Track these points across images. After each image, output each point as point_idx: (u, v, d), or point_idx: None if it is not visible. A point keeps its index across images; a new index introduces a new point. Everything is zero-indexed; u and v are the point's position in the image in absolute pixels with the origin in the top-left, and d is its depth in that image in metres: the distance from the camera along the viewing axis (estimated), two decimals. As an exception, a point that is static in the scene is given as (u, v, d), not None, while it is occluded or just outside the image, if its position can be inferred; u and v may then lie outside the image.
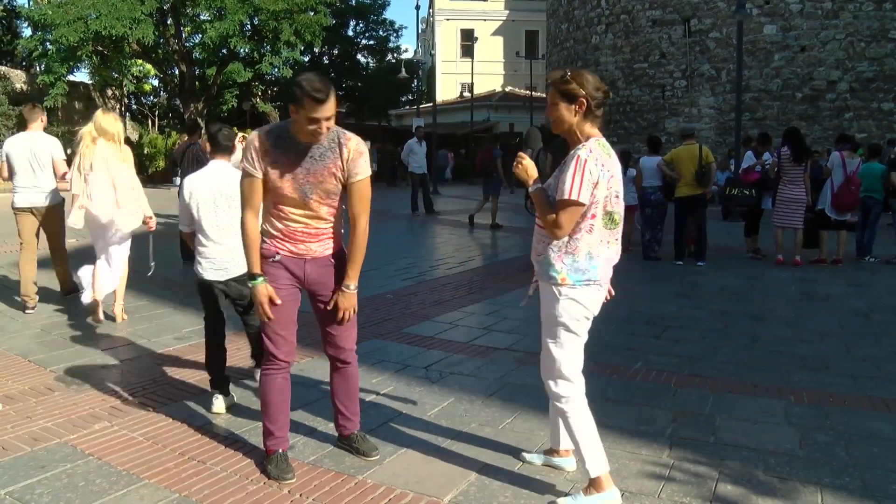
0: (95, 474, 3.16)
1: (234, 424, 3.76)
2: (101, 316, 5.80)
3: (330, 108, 2.85)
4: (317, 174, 2.98)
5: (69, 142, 6.31)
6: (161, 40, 24.44)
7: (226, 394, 4.02)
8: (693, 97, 22.54)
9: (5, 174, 6.38)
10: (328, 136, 2.98)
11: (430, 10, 42.45)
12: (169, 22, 24.49)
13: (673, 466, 3.29)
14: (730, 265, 9.35)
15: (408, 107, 39.64)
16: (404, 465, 3.28)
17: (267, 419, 3.22)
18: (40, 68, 23.76)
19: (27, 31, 25.80)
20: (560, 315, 2.83)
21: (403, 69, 32.82)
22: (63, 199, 6.38)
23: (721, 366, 4.90)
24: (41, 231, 6.41)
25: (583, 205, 2.71)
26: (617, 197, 2.81)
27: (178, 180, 11.58)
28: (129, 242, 5.96)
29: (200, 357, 4.97)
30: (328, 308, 3.19)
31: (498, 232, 12.91)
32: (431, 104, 29.74)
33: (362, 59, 40.68)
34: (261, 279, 3.07)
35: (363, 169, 3.04)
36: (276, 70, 25.76)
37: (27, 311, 6.19)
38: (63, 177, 6.10)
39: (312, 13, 23.69)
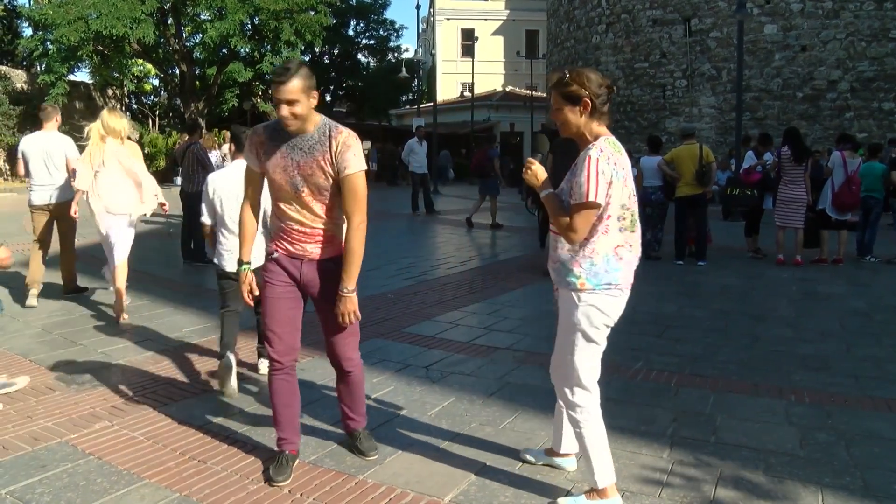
0: (96, 474, 3.16)
1: (235, 424, 3.76)
2: (125, 315, 5.92)
3: (290, 90, 2.84)
4: (306, 166, 2.96)
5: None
6: (161, 40, 24.45)
7: (228, 373, 4.17)
8: (694, 97, 22.54)
9: (21, 172, 6.58)
10: (319, 128, 2.97)
11: (431, 10, 42.43)
12: (169, 21, 24.51)
13: (673, 466, 3.29)
14: (730, 265, 9.35)
15: (408, 106, 39.60)
16: (405, 464, 3.28)
17: (273, 419, 3.24)
18: (41, 68, 23.77)
19: (28, 31, 25.82)
20: (579, 322, 2.73)
21: (404, 69, 32.79)
22: (72, 198, 6.44)
23: (722, 365, 4.90)
24: (55, 230, 6.63)
25: (598, 206, 2.62)
26: (632, 195, 2.73)
27: (178, 180, 11.59)
28: (132, 232, 6.09)
29: (201, 356, 4.98)
30: (328, 313, 3.13)
31: (498, 232, 12.91)
32: (432, 104, 29.72)
33: (363, 59, 40.64)
34: (246, 266, 3.21)
35: (352, 163, 2.93)
36: (277, 70, 25.74)
37: (27, 304, 6.30)
38: (73, 174, 6.23)
39: (313, 13, 23.70)
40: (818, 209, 9.47)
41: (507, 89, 36.70)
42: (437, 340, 5.47)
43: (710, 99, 22.28)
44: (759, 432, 3.68)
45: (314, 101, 2.95)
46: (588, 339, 2.75)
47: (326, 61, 37.24)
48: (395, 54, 40.83)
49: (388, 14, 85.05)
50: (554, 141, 8.60)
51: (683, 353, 5.17)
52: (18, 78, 24.12)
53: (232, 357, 4.20)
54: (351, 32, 38.53)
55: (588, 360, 2.79)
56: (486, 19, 39.91)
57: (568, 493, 2.98)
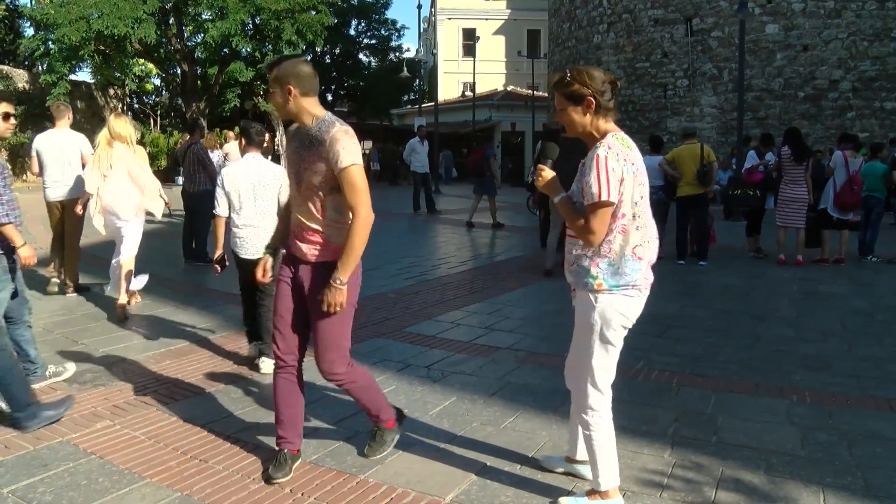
0: (97, 473, 3.16)
1: (236, 423, 3.76)
2: (127, 308, 6.13)
3: (271, 80, 2.99)
4: (307, 160, 2.96)
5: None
6: (163, 39, 24.44)
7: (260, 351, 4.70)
8: (695, 96, 22.51)
9: (35, 170, 6.74)
10: (318, 123, 2.97)
11: (432, 10, 42.40)
12: (171, 21, 24.50)
13: (675, 466, 3.28)
14: (732, 265, 9.34)
15: (409, 106, 39.59)
16: (406, 464, 3.28)
17: (274, 417, 3.23)
18: (43, 68, 23.77)
19: (29, 31, 25.82)
20: (595, 323, 2.69)
21: (405, 68, 32.80)
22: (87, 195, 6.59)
23: (723, 365, 4.89)
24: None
25: (612, 204, 2.57)
26: (644, 192, 2.69)
27: (179, 179, 11.60)
28: (140, 231, 6.30)
29: (202, 356, 4.99)
30: (315, 322, 3.05)
31: (500, 231, 12.90)
32: (433, 103, 29.72)
33: (364, 59, 40.60)
34: (267, 250, 3.37)
35: (343, 157, 2.85)
36: (279, 69, 25.72)
37: (47, 290, 6.76)
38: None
39: (314, 12, 23.68)
40: (820, 209, 9.47)
41: (509, 89, 36.66)
42: (438, 340, 5.47)
43: (712, 98, 22.26)
44: (760, 432, 3.68)
45: (294, 96, 2.95)
46: (604, 340, 2.71)
47: (328, 61, 37.22)
48: (397, 54, 40.80)
49: (390, 14, 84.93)
50: (554, 141, 8.61)
51: (684, 352, 5.17)
52: (20, 78, 24.14)
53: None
54: (352, 32, 38.50)
55: (603, 361, 2.75)
56: (487, 19, 39.87)
57: (569, 493, 2.98)
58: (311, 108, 2.99)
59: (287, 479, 3.09)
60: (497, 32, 40.00)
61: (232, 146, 13.07)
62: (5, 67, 24.45)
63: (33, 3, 26.51)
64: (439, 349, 5.20)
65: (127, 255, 6.11)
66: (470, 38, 37.26)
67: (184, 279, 8.13)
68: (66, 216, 6.69)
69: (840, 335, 5.76)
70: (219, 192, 4.62)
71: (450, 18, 40.13)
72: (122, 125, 6.05)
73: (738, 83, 16.34)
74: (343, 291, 2.93)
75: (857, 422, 3.84)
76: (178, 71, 26.53)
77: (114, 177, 5.97)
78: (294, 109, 2.98)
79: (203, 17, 24.17)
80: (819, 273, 8.75)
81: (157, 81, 32.79)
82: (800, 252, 9.20)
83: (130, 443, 3.48)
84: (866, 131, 19.49)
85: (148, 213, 6.37)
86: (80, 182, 6.52)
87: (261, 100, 29.39)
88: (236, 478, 3.13)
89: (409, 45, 55.67)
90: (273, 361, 4.19)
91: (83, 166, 6.56)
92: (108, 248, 6.64)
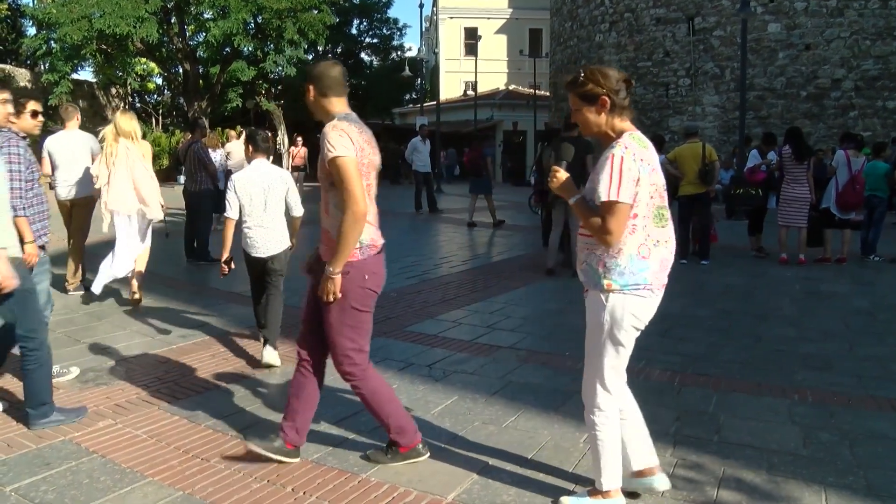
0: (100, 472, 3.17)
1: (238, 422, 3.76)
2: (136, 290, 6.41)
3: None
4: (319, 159, 3.06)
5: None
6: (165, 39, 24.44)
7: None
8: (697, 95, 22.49)
9: (47, 170, 6.85)
10: (328, 122, 3.08)
11: (434, 9, 42.37)
12: (173, 20, 24.50)
13: (676, 465, 3.28)
14: (734, 264, 9.33)
15: (411, 105, 39.57)
16: (407, 463, 3.28)
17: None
18: (44, 67, 23.78)
19: (31, 30, 25.85)
20: (605, 323, 2.67)
21: (407, 67, 32.78)
22: (94, 194, 6.75)
23: (725, 364, 4.89)
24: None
25: (628, 204, 2.55)
26: (662, 190, 2.66)
27: (181, 179, 11.61)
28: (150, 232, 6.61)
29: (204, 355, 5.00)
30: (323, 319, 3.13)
31: (501, 230, 12.90)
32: (435, 102, 29.70)
33: (366, 58, 40.53)
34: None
35: (328, 150, 2.92)
36: (280, 69, 25.74)
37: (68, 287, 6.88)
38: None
39: (316, 11, 23.67)
40: (822, 208, 9.45)
41: (510, 88, 36.62)
42: (439, 339, 5.47)
43: (714, 98, 22.24)
44: (762, 432, 3.67)
45: (314, 96, 3.11)
46: (614, 340, 2.69)
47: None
48: (399, 53, 40.74)
49: (392, 13, 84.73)
50: (556, 139, 8.61)
51: (686, 352, 5.16)
52: (22, 77, 24.16)
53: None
54: (354, 31, 38.46)
55: (613, 362, 2.72)
56: (489, 18, 39.82)
57: (571, 493, 2.98)
58: (329, 108, 3.10)
59: (260, 451, 3.18)
60: (499, 31, 39.96)
61: (233, 145, 13.10)
62: (8, 67, 24.47)
63: (35, 2, 26.52)
64: (441, 348, 5.21)
65: (137, 251, 6.37)
66: (472, 37, 37.22)
67: (185, 278, 8.14)
68: (75, 214, 6.84)
69: (842, 335, 5.76)
70: (230, 196, 4.85)
71: (451, 17, 40.09)
72: (126, 121, 6.28)
73: (740, 82, 16.31)
74: (335, 281, 2.98)
75: (859, 421, 3.83)
76: (180, 70, 26.53)
77: (118, 173, 6.18)
78: (314, 108, 3.15)
79: (205, 16, 24.16)
80: (821, 272, 8.74)
81: (159, 80, 32.82)
82: (802, 251, 9.19)
83: (132, 442, 3.49)
84: (869, 130, 19.45)
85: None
86: (89, 181, 6.67)
87: (262, 99, 29.41)
88: (238, 476, 3.14)
89: (411, 45, 55.84)
90: (275, 352, 4.71)
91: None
92: (110, 247, 6.67)
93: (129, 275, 6.39)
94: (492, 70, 38.25)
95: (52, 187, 6.71)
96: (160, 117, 32.03)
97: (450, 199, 19.31)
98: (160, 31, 22.72)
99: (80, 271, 6.97)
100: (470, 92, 35.19)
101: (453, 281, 8.01)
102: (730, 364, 4.90)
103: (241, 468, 3.21)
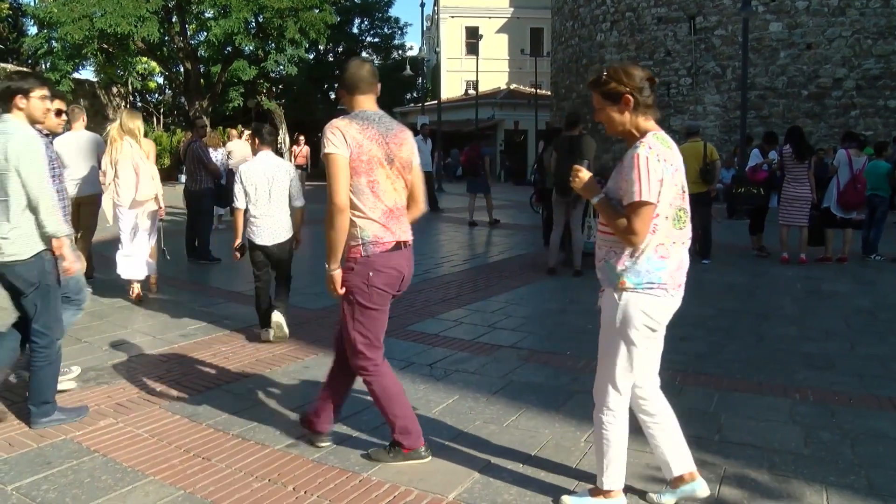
0: (101, 471, 3.17)
1: (239, 421, 3.76)
2: (138, 291, 6.57)
3: None
4: None
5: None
6: (166, 38, 24.48)
7: (269, 326, 5.24)
8: (698, 95, 22.47)
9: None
10: None
11: (435, 8, 42.37)
12: (174, 20, 24.53)
13: (677, 465, 3.28)
14: (735, 263, 9.33)
15: (412, 104, 39.55)
16: (408, 462, 3.28)
17: None
18: (46, 66, 23.81)
19: (33, 29, 25.89)
20: (618, 322, 2.65)
21: (408, 67, 32.78)
22: (100, 192, 6.87)
23: (726, 364, 4.89)
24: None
25: (653, 204, 2.52)
26: (683, 192, 2.64)
27: (182, 178, 11.62)
28: (157, 228, 6.85)
29: (205, 354, 5.00)
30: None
31: (502, 230, 12.90)
32: (436, 102, 29.70)
33: (367, 57, 40.64)
34: None
35: (322, 144, 3.04)
36: (281, 68, 25.77)
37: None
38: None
39: (317, 11, 23.69)
40: (823, 207, 9.44)
41: (512, 87, 36.62)
42: (440, 338, 5.47)
43: (715, 97, 22.22)
44: (763, 431, 3.67)
45: (342, 95, 3.24)
46: (627, 340, 2.66)
47: (331, 59, 37.21)
48: (400, 52, 40.77)
49: (393, 12, 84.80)
50: (557, 138, 8.60)
51: (688, 351, 5.16)
52: (23, 76, 24.15)
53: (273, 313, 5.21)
54: (355, 30, 38.50)
55: (625, 362, 2.70)
56: (490, 17, 39.81)
57: (572, 492, 2.98)
58: (353, 106, 3.20)
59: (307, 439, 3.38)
60: (500, 31, 39.95)
61: (234, 144, 13.09)
62: (9, 66, 24.47)
63: (37, 1, 26.55)
64: (442, 347, 5.21)
65: (147, 246, 6.61)
66: (473, 36, 37.24)
67: (187, 277, 8.14)
68: (82, 212, 6.90)
69: (843, 334, 5.75)
70: (237, 187, 5.21)
71: (453, 17, 40.10)
72: (130, 120, 6.49)
73: (741, 81, 16.29)
74: (332, 277, 3.07)
75: (860, 421, 3.83)
76: (182, 69, 26.57)
77: (122, 170, 6.39)
78: (345, 106, 3.23)
79: (206, 15, 24.20)
80: (822, 272, 8.73)
81: (160, 80, 32.87)
82: (803, 251, 9.18)
83: (134, 440, 3.49)
84: (870, 130, 19.41)
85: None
86: (95, 179, 6.82)
87: (263, 98, 29.42)
88: (239, 476, 3.14)
89: (412, 44, 55.78)
90: (272, 331, 5.21)
91: (100, 164, 6.85)
92: (116, 243, 6.71)
93: (151, 272, 6.70)
94: (493, 69, 38.24)
95: None
96: (161, 116, 32.05)
97: (451, 199, 19.30)
98: (161, 31, 22.75)
99: (86, 268, 7.01)
100: (471, 91, 35.20)
101: (454, 280, 8.01)
102: (731, 363, 4.90)
103: (242, 467, 3.22)
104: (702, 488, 2.85)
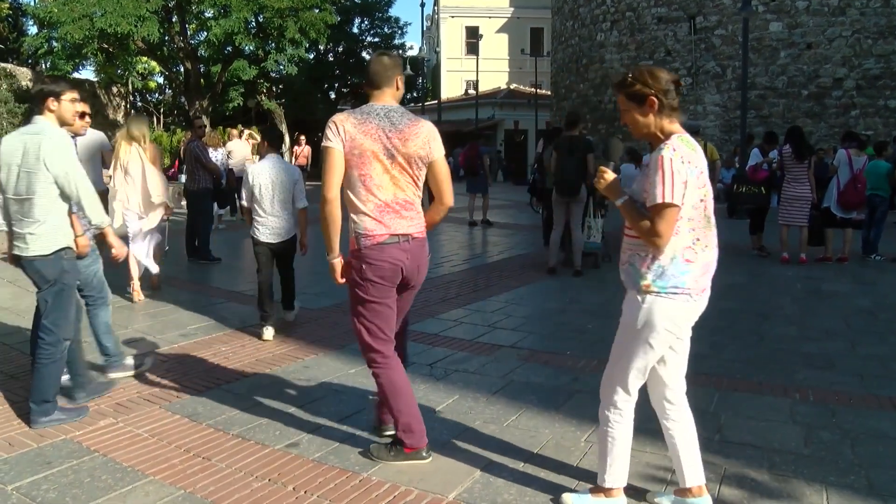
0: (101, 470, 3.17)
1: (240, 421, 3.76)
2: (139, 292, 6.69)
3: None
4: None
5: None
6: (166, 38, 24.45)
7: (268, 323, 5.44)
8: (698, 94, 22.47)
9: None
10: None
11: (435, 8, 42.38)
12: (174, 19, 24.51)
13: (678, 464, 3.27)
14: (735, 263, 9.32)
15: (412, 104, 39.61)
16: (409, 462, 3.28)
17: None
18: (46, 66, 23.85)
19: (33, 29, 25.90)
20: (638, 323, 2.63)
21: (408, 66, 32.80)
22: (106, 189, 6.86)
23: (726, 363, 4.89)
24: None
25: (678, 207, 2.51)
26: (708, 194, 2.62)
27: (182, 177, 11.62)
28: (165, 229, 7.12)
29: (205, 354, 5.00)
30: None
31: (502, 230, 12.89)
32: (436, 101, 29.73)
33: (367, 57, 40.59)
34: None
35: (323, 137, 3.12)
36: (282, 68, 25.76)
37: None
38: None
39: (317, 10, 23.68)
40: (823, 207, 9.44)
41: (512, 87, 36.63)
42: (440, 338, 5.47)
43: (715, 97, 22.22)
44: (763, 431, 3.67)
45: (365, 89, 3.31)
46: (644, 342, 2.65)
47: (331, 59, 37.21)
48: (400, 52, 40.76)
49: (393, 11, 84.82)
50: (557, 138, 8.59)
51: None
52: (24, 76, 24.14)
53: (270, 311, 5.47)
54: (355, 30, 38.44)
55: (639, 364, 2.70)
56: (490, 17, 39.82)
57: (573, 490, 2.97)
58: (369, 99, 3.27)
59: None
60: (500, 30, 39.96)
61: (234, 144, 13.11)
62: (9, 66, 24.46)
63: (37, 1, 26.55)
64: (442, 347, 5.21)
65: (154, 248, 6.82)
66: (473, 35, 37.25)
67: (187, 277, 8.14)
68: None
69: (843, 334, 5.75)
70: (244, 186, 5.52)
71: (453, 16, 40.10)
72: (136, 125, 6.65)
73: (741, 81, 16.29)
74: (332, 265, 3.15)
75: (861, 420, 3.83)
76: (182, 69, 26.55)
77: (129, 175, 6.53)
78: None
79: (206, 15, 24.18)
80: (822, 271, 8.73)
81: (161, 80, 32.85)
82: (803, 250, 9.18)
83: (134, 440, 3.49)
84: (870, 129, 19.41)
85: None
86: (100, 178, 6.78)
87: (263, 98, 29.41)
88: (239, 475, 3.14)
89: (413, 43, 55.83)
90: (272, 329, 5.43)
91: (104, 163, 6.86)
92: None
93: (154, 270, 6.88)
94: (493, 69, 38.25)
95: None
96: (161, 116, 32.05)
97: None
98: (161, 30, 22.73)
99: None
100: (471, 91, 35.22)
101: (454, 280, 8.01)
102: (731, 363, 4.90)
103: (242, 467, 3.22)
104: None
